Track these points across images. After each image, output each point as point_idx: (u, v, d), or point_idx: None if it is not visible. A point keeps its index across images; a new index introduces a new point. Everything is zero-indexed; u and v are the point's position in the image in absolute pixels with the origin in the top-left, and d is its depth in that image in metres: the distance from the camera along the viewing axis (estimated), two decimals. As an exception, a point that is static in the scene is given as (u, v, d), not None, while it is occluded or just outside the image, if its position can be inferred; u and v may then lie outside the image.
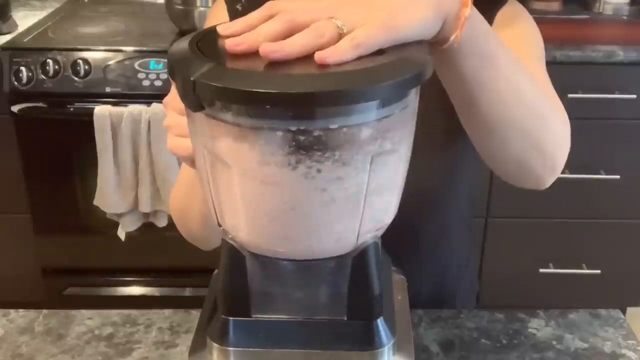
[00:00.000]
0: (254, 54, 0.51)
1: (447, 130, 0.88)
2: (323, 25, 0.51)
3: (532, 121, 0.69)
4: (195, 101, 0.50)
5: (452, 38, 0.58)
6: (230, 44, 0.52)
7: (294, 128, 0.49)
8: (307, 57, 0.50)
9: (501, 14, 0.88)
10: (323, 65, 0.49)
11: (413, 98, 0.55)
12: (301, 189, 0.52)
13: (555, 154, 0.74)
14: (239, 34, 0.53)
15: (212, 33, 0.56)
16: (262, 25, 0.53)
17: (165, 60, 1.83)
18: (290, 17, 0.52)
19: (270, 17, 0.53)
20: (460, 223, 1.03)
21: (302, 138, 0.50)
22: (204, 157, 0.55)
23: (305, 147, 0.50)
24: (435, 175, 0.94)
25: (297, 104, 0.48)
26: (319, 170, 0.51)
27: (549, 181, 0.78)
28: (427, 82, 0.52)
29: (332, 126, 0.50)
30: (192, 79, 0.48)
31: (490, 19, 0.85)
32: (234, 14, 0.95)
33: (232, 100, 0.49)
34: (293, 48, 0.50)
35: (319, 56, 0.50)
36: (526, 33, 0.88)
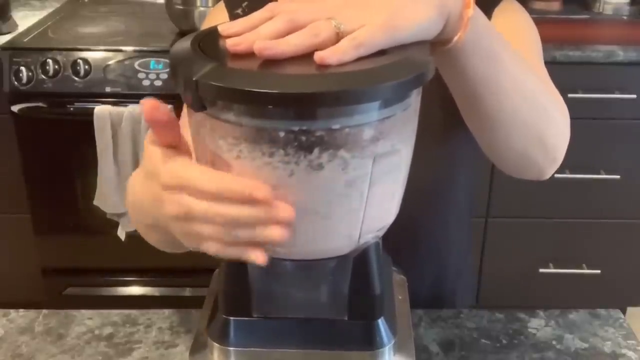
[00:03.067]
0: (255, 53, 0.51)
1: (445, 125, 0.88)
2: (319, 25, 0.51)
3: (535, 114, 0.69)
4: (197, 101, 0.50)
5: (455, 38, 0.58)
6: (230, 44, 0.52)
7: (295, 128, 0.49)
8: (310, 58, 0.50)
9: (498, 11, 0.88)
10: (325, 66, 0.49)
11: (414, 98, 0.55)
12: (302, 189, 0.52)
13: (557, 145, 0.75)
14: (240, 34, 0.53)
15: (214, 33, 0.56)
16: (263, 25, 0.53)
17: (166, 60, 1.85)
18: (291, 17, 0.52)
19: (272, 17, 0.53)
20: (459, 220, 1.03)
21: (304, 138, 0.50)
22: (206, 157, 0.55)
23: (307, 148, 0.50)
24: (434, 170, 0.94)
25: (299, 105, 0.48)
26: (320, 171, 0.51)
27: (550, 172, 0.78)
28: (427, 79, 0.52)
29: (334, 126, 0.50)
30: (194, 79, 0.49)
31: (487, 16, 0.85)
32: (234, 19, 0.94)
33: (234, 100, 0.49)
34: (288, 47, 0.50)
35: (318, 56, 0.50)
36: (524, 28, 0.88)
